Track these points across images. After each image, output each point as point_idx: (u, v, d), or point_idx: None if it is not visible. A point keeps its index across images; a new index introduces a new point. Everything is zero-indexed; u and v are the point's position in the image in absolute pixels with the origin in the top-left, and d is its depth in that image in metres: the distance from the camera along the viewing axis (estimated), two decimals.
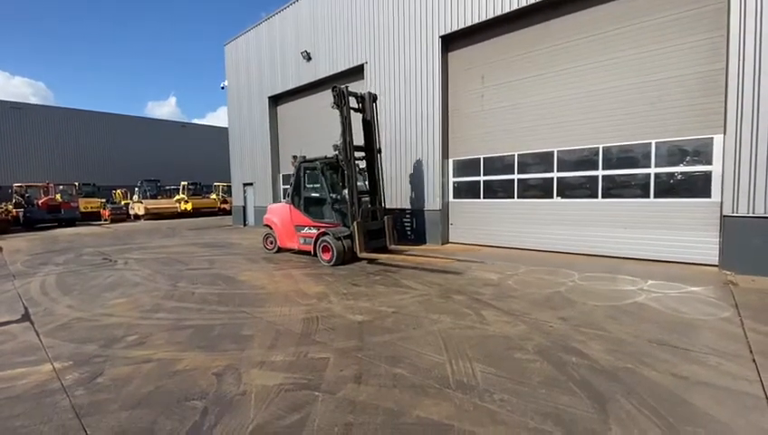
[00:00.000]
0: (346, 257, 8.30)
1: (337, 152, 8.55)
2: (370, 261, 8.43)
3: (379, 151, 9.29)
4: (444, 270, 7.35)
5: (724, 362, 3.30)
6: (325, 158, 9.09)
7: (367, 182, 9.51)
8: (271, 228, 10.29)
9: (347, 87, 8.66)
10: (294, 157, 9.77)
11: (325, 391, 2.99)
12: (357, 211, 8.37)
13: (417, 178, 11.06)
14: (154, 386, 3.16)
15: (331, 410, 2.73)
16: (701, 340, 3.81)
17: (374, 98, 9.20)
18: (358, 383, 3.10)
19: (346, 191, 8.58)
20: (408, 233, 11.26)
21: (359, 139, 9.00)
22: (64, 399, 3.00)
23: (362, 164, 9.42)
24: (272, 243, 10.31)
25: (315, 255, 8.73)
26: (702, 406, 2.68)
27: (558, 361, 3.41)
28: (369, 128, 9.10)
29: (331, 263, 8.23)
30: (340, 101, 8.45)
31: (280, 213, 10.07)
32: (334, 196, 8.91)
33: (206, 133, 46.50)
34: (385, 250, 8.91)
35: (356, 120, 8.83)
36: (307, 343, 3.98)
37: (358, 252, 8.17)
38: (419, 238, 10.95)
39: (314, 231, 8.92)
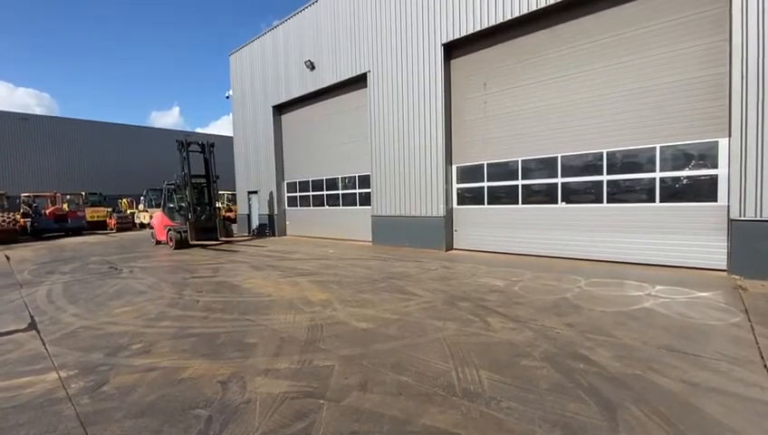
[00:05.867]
0: (183, 244, 13.33)
1: (178, 180, 13.76)
2: (203, 246, 13.64)
3: (217, 178, 14.38)
4: (237, 250, 12.68)
5: (736, 369, 3.24)
6: (175, 182, 14.31)
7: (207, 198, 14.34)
8: (153, 228, 15.55)
9: (186, 138, 13.78)
10: (164, 181, 15.39)
11: (330, 399, 2.98)
12: (191, 216, 13.41)
13: (420, 186, 11.08)
14: (159, 394, 3.15)
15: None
16: (711, 346, 3.75)
17: (212, 145, 14.35)
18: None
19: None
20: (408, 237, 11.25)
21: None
22: (69, 407, 2.99)
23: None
24: (153, 238, 15.30)
25: (167, 243, 13.89)
26: (713, 413, 2.63)
27: (565, 367, 3.37)
28: (207, 164, 14.25)
29: (173, 248, 13.32)
30: (181, 147, 13.46)
31: (158, 217, 15.20)
32: (182, 205, 13.84)
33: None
34: (216, 240, 14.41)
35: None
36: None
37: (189, 241, 13.33)
38: (426, 243, 10.96)
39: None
